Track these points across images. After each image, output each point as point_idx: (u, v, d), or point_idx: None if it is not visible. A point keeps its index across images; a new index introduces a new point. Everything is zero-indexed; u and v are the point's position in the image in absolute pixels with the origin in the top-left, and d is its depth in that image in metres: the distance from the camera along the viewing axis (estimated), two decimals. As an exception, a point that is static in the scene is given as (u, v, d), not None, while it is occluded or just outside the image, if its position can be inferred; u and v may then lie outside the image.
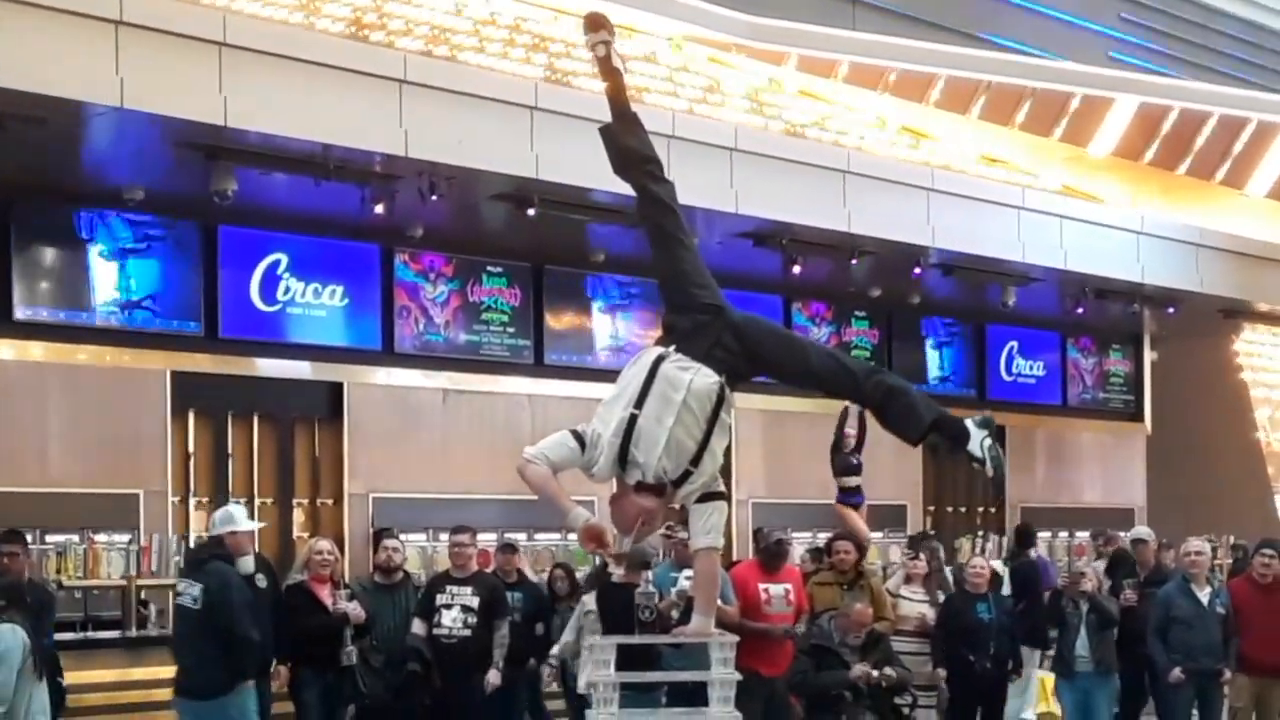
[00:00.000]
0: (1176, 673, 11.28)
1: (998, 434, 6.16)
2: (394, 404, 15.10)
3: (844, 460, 14.91)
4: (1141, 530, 13.71)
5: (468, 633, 10.37)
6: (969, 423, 6.09)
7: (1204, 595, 11.39)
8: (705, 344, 5.93)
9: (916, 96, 20.95)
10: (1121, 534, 16.84)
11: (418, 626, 10.41)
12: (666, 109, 16.09)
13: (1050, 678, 12.74)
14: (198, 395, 14.09)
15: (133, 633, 12.31)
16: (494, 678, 10.42)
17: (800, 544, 15.73)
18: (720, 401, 5.88)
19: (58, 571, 12.53)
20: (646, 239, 6.27)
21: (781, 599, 10.47)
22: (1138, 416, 22.42)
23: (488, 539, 14.33)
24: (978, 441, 6.07)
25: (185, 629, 8.96)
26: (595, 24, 6.24)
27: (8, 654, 7.90)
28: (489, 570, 11.40)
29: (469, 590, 10.49)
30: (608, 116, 6.28)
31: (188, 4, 12.94)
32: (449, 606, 10.36)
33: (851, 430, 14.39)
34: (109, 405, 13.31)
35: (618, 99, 6.24)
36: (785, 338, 6.36)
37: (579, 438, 5.91)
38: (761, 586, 10.43)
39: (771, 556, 10.71)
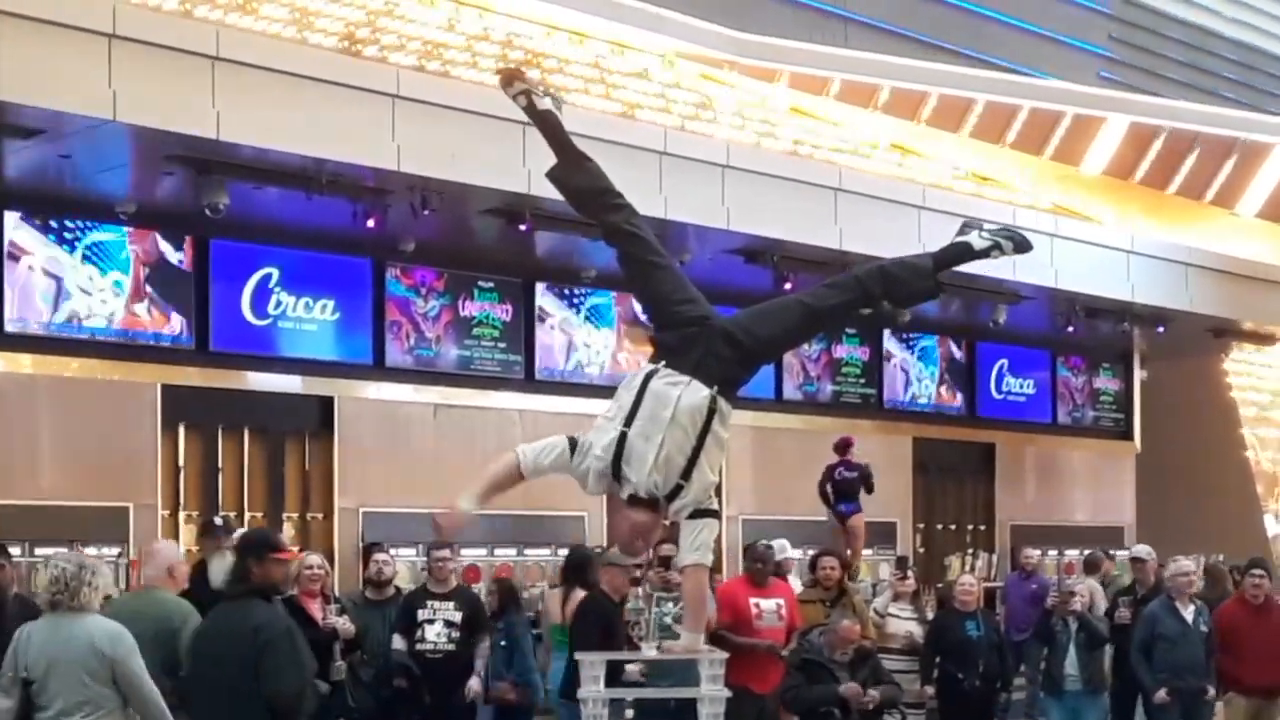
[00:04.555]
0: (1162, 694, 11.30)
1: (978, 224, 6.28)
2: (385, 419, 15.09)
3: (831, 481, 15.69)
4: (1140, 549, 13.71)
5: (452, 647, 10.36)
6: (959, 238, 6.20)
7: (1189, 614, 11.42)
8: (695, 356, 5.94)
9: (908, 114, 21.01)
10: (1112, 552, 16.92)
11: (399, 642, 10.38)
12: (659, 126, 16.13)
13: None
14: (188, 409, 14.07)
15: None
16: (475, 684, 10.41)
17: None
18: (711, 415, 5.89)
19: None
20: (620, 268, 6.27)
21: (773, 613, 10.47)
22: (1127, 435, 22.45)
23: (477, 554, 14.35)
24: (978, 237, 6.18)
25: None
26: (506, 80, 6.30)
27: None
28: (475, 586, 11.44)
29: (451, 605, 10.48)
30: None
31: (181, 18, 12.98)
32: (431, 621, 10.35)
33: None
34: (99, 418, 13.28)
35: (554, 140, 6.23)
36: (775, 309, 6.31)
37: (574, 444, 5.96)
38: (752, 601, 10.43)
39: (754, 561, 10.72)
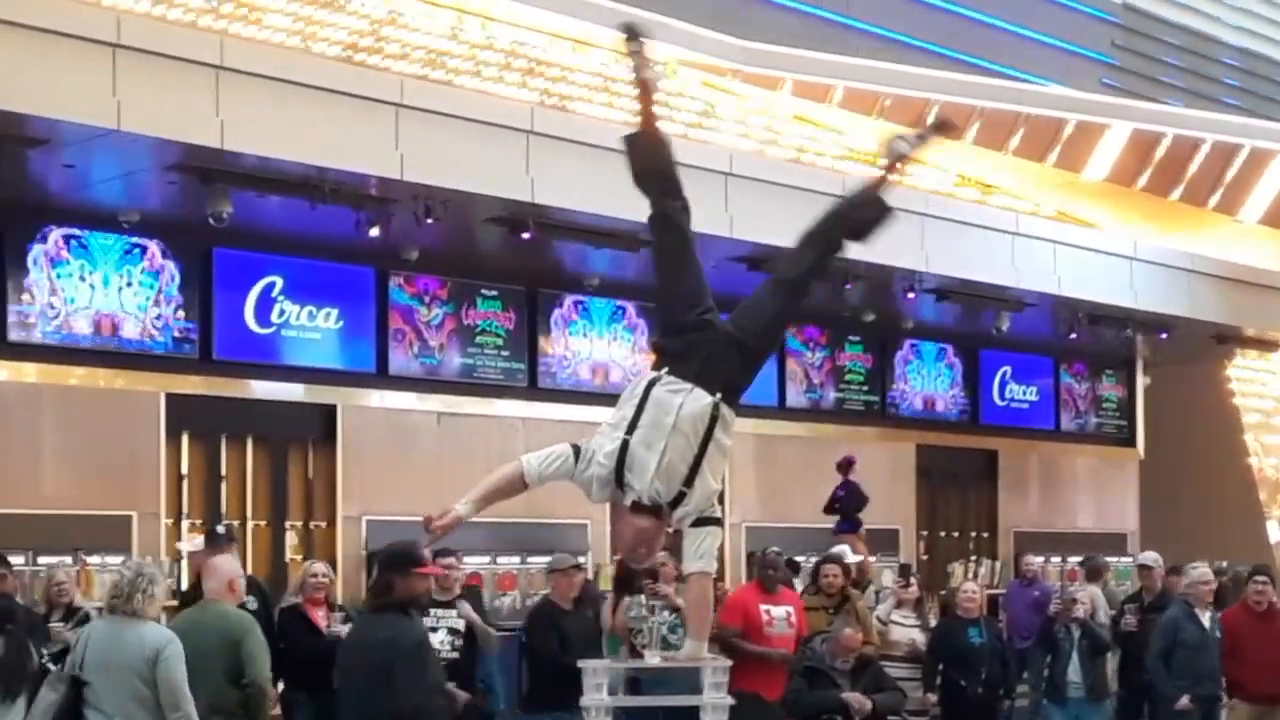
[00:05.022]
0: (1185, 700, 11.30)
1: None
2: (388, 427, 15.10)
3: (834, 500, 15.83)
4: (1147, 556, 13.71)
5: (455, 655, 10.34)
6: (890, 156, 6.46)
7: (1206, 620, 11.45)
8: (697, 363, 5.95)
9: (910, 121, 20.92)
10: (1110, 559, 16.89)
11: None
12: (661, 134, 16.13)
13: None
14: (192, 417, 14.08)
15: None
16: (468, 609, 10.34)
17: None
18: (713, 422, 5.90)
19: (49, 593, 12.48)
20: (652, 256, 6.30)
21: (784, 620, 10.47)
22: (1130, 441, 22.44)
23: (479, 561, 14.36)
24: (903, 143, 6.45)
25: None
26: (630, 33, 6.31)
27: None
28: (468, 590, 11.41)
29: (454, 613, 10.47)
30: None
31: (185, 27, 13.01)
32: (434, 629, 10.33)
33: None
34: (103, 427, 13.29)
35: (646, 106, 6.31)
36: (758, 296, 6.35)
37: (578, 452, 5.97)
38: (763, 608, 10.43)
39: (765, 569, 10.73)
